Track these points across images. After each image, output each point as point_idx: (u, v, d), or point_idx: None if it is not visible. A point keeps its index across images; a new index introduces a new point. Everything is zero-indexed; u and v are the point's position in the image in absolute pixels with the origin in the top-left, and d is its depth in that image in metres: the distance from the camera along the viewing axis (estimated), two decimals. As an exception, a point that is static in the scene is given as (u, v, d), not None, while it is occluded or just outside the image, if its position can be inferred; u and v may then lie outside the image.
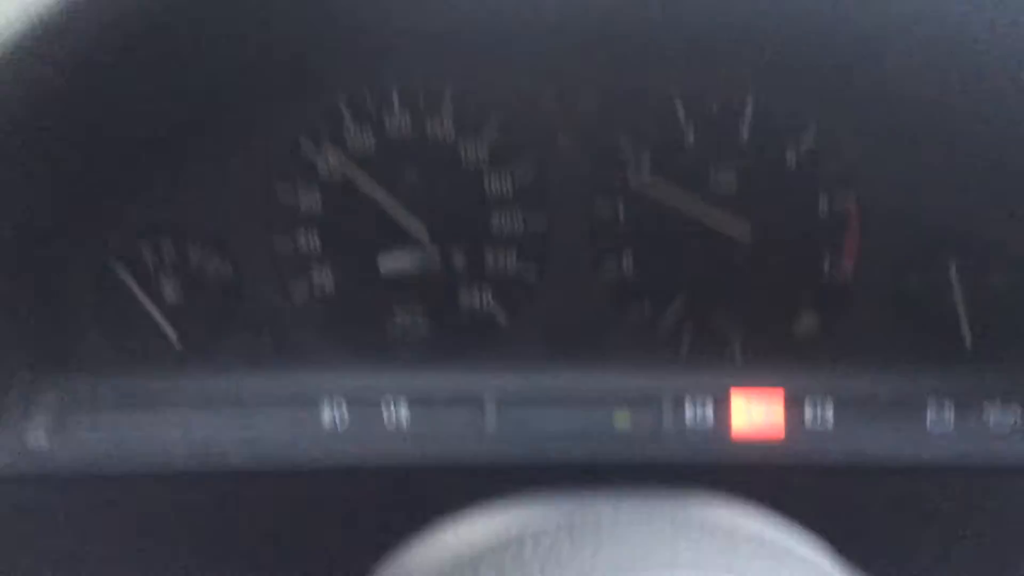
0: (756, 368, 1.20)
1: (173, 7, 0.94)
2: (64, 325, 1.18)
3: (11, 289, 1.07)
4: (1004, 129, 1.13)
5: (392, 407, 1.12)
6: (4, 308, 1.07)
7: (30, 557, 1.05)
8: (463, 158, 1.27)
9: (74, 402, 1.09)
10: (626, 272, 1.28)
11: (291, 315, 1.23)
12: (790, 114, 1.28)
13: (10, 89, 0.89)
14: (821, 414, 1.13)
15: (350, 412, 1.11)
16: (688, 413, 1.14)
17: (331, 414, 1.11)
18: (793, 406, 1.14)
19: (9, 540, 1.04)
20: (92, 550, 1.06)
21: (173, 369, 1.17)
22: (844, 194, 1.28)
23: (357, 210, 1.25)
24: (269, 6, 1.03)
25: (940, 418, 1.12)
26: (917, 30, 1.09)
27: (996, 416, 1.12)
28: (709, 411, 1.14)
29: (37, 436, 1.06)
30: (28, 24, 0.88)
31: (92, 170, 1.12)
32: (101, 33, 0.91)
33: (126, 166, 1.17)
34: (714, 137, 1.29)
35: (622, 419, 1.13)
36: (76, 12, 0.89)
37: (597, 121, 1.28)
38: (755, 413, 1.14)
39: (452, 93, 1.27)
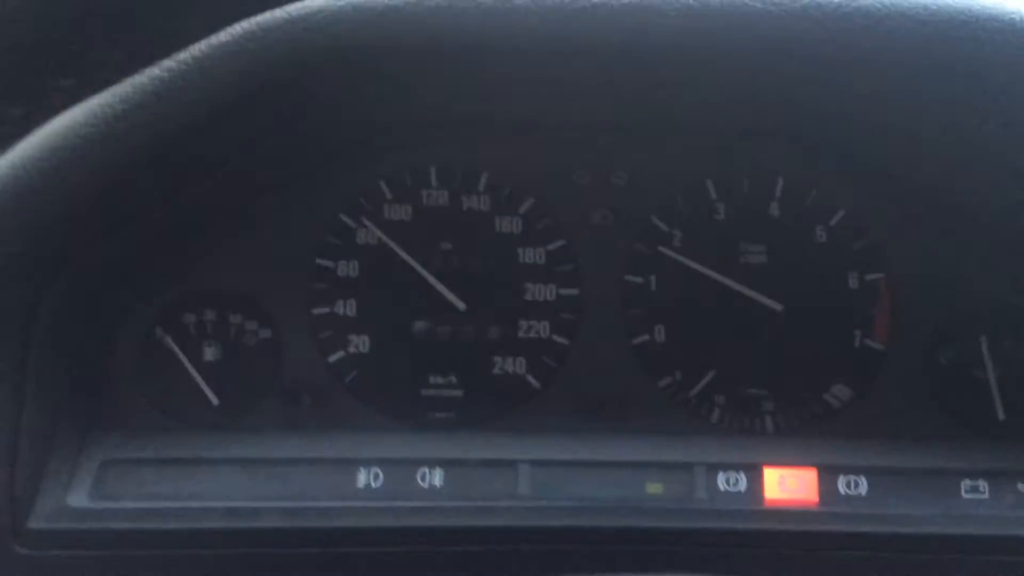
0: (788, 439, 1.21)
1: (240, 99, 0.99)
2: (109, 388, 1.21)
3: (61, 353, 1.10)
4: None
5: (426, 470, 1.13)
6: (53, 372, 1.10)
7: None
8: (498, 230, 1.31)
9: (116, 463, 1.11)
10: (658, 341, 1.29)
11: (328, 380, 1.26)
12: (820, 192, 1.31)
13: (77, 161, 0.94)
14: (855, 486, 1.13)
15: (385, 475, 1.12)
16: (721, 483, 1.14)
17: (366, 477, 1.12)
18: (827, 479, 1.14)
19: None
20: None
21: (213, 431, 1.19)
22: (874, 269, 1.30)
23: (394, 280, 1.28)
24: (319, 96, 1.09)
25: (975, 491, 1.12)
26: (946, 114, 1.12)
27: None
28: (743, 480, 1.14)
29: (79, 496, 1.08)
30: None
31: (144, 242, 1.16)
32: (178, 121, 0.96)
33: (177, 239, 1.21)
34: (745, 214, 1.32)
35: (655, 488, 1.13)
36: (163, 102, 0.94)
37: (630, 198, 1.32)
38: (789, 484, 1.14)
39: (488, 170, 1.31)
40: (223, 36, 0.93)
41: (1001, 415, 1.23)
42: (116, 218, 1.05)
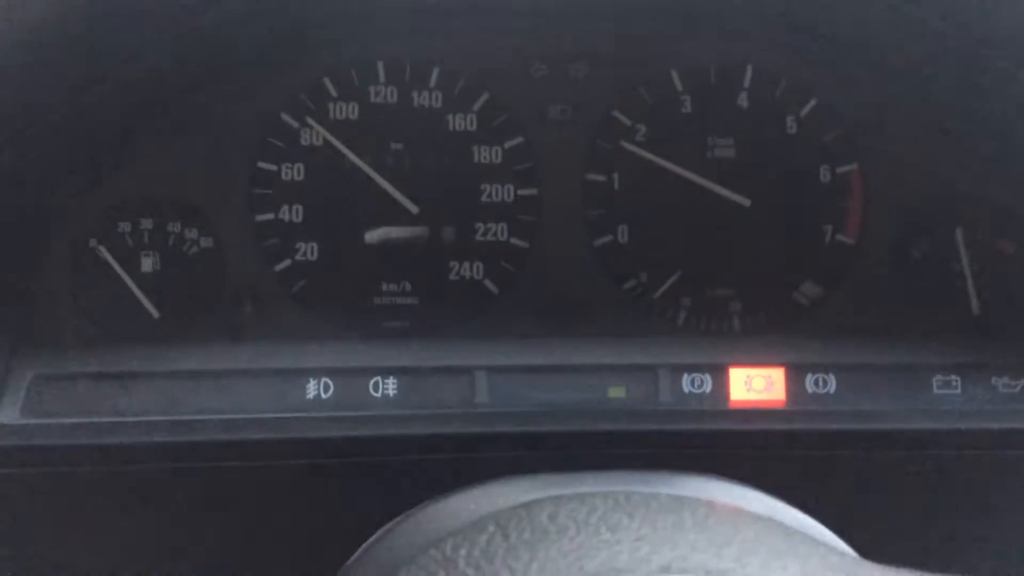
0: (755, 339, 1.16)
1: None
2: (40, 301, 1.15)
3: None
4: (1006, 95, 1.09)
5: (379, 379, 1.08)
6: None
7: (4, 532, 1.01)
8: (451, 129, 1.24)
9: (49, 378, 1.05)
10: (621, 242, 1.24)
11: (275, 289, 1.20)
12: (790, 82, 1.25)
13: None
14: (823, 384, 1.09)
15: (336, 385, 1.07)
16: (685, 385, 1.10)
17: (316, 387, 1.07)
18: (794, 377, 1.10)
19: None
20: (67, 526, 1.02)
21: (153, 344, 1.13)
22: (846, 161, 1.24)
23: (342, 183, 1.21)
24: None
25: (947, 386, 1.08)
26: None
27: (1003, 384, 1.08)
28: (707, 383, 1.10)
29: (10, 412, 1.02)
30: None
31: (70, 144, 1.08)
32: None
33: (104, 139, 1.13)
34: (712, 106, 1.25)
35: (617, 391, 1.09)
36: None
37: (590, 91, 1.25)
38: (755, 384, 1.10)
39: (440, 64, 1.24)
40: None
41: (976, 309, 1.19)
42: (38, 108, 0.97)
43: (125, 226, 1.19)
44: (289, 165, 1.22)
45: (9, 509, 1.00)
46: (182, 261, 1.19)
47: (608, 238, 1.24)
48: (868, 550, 0.70)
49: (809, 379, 1.09)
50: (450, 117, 1.24)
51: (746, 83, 1.25)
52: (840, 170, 1.24)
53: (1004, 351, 1.12)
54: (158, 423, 1.02)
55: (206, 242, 1.20)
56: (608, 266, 1.23)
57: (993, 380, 1.09)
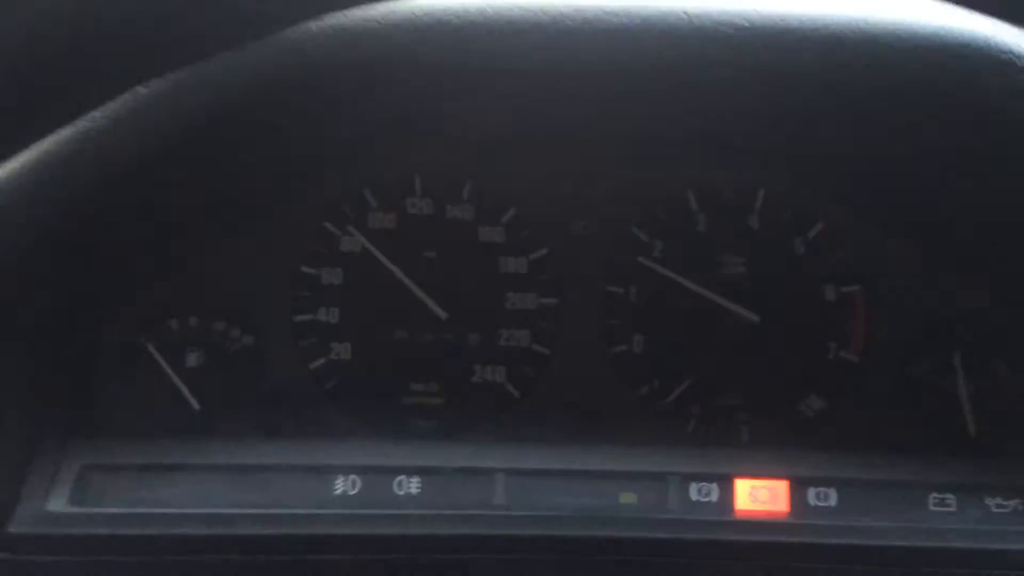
0: (761, 451, 1.22)
1: (215, 105, 1.00)
2: (91, 393, 1.23)
3: (41, 358, 1.12)
4: (1006, 222, 1.17)
5: (404, 478, 1.14)
6: (35, 378, 1.11)
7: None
8: (480, 240, 1.32)
9: (97, 468, 1.13)
10: (636, 351, 1.31)
11: (309, 387, 1.27)
12: (798, 205, 1.32)
13: (65, 176, 0.95)
14: (825, 497, 1.15)
15: (362, 483, 1.14)
16: (693, 494, 1.15)
17: (344, 484, 1.14)
18: (797, 490, 1.16)
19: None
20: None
21: (193, 437, 1.20)
22: (850, 282, 1.31)
23: (377, 288, 1.30)
24: (301, 105, 1.10)
25: (942, 504, 1.14)
26: (922, 129, 1.13)
27: (996, 505, 1.13)
28: (714, 492, 1.15)
29: (60, 501, 1.09)
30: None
31: (126, 249, 1.17)
32: (150, 130, 0.97)
33: (159, 246, 1.22)
34: (725, 226, 1.33)
35: (628, 497, 1.15)
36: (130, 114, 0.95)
37: (611, 208, 1.33)
38: (760, 495, 1.15)
39: (472, 179, 1.33)
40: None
41: (972, 430, 1.25)
42: (103, 225, 1.06)
43: (173, 323, 1.27)
44: (329, 269, 1.31)
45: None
46: (224, 357, 1.27)
47: (623, 347, 1.31)
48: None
49: (811, 492, 1.15)
50: (480, 229, 1.33)
51: (757, 205, 1.33)
52: (845, 289, 1.31)
53: (998, 472, 1.17)
54: (195, 516, 1.09)
55: (247, 340, 1.28)
56: (623, 373, 1.30)
57: (987, 500, 1.14)
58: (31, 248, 0.97)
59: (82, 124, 0.93)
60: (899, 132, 1.10)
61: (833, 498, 1.14)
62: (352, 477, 1.15)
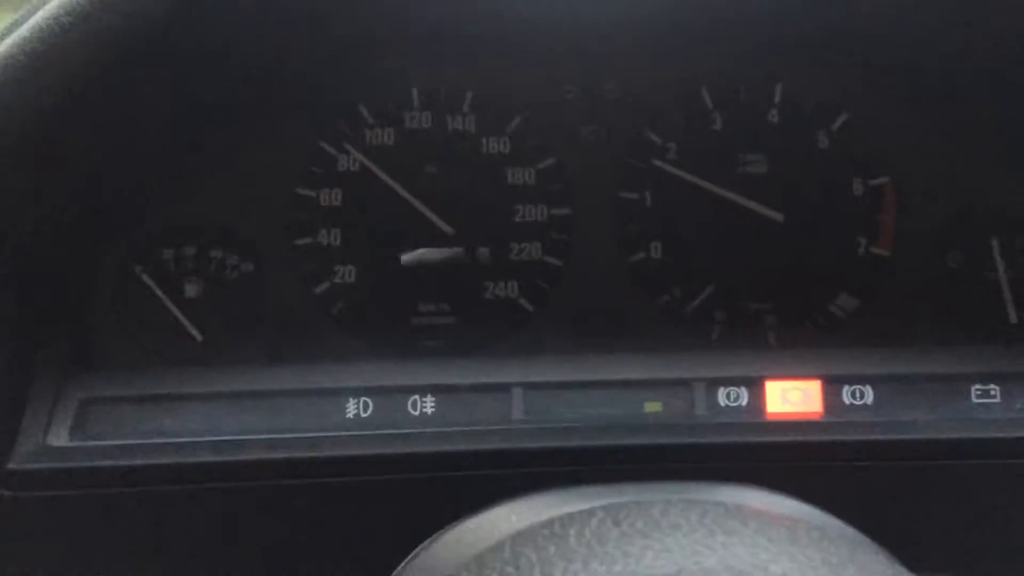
0: (791, 352, 1.16)
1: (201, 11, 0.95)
2: (87, 325, 1.18)
3: (34, 291, 1.07)
4: None
5: (417, 397, 1.09)
6: (28, 310, 1.07)
7: (52, 554, 1.03)
8: (485, 152, 1.26)
9: (96, 401, 1.08)
10: (654, 258, 1.25)
11: (314, 312, 1.22)
12: (820, 96, 1.25)
13: (35, 87, 0.89)
14: (860, 396, 1.09)
15: (375, 404, 1.09)
16: (721, 399, 1.10)
17: (356, 406, 1.09)
18: (831, 390, 1.10)
19: (32, 537, 1.03)
20: (113, 546, 1.04)
21: (196, 367, 1.16)
22: (878, 173, 1.24)
23: (379, 207, 1.24)
24: (293, 13, 1.04)
25: (986, 395, 1.07)
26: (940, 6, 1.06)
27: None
28: (743, 396, 1.10)
29: (60, 435, 1.05)
30: (54, 20, 0.88)
31: (114, 173, 1.12)
32: (127, 31, 0.91)
33: (148, 169, 1.17)
34: (743, 123, 1.26)
35: (653, 406, 1.09)
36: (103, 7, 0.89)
37: (621, 111, 1.26)
38: (791, 397, 1.09)
39: (473, 89, 1.26)
40: None
41: (1014, 317, 1.19)
42: (85, 140, 1.01)
43: (168, 252, 1.22)
44: (327, 190, 1.25)
45: (59, 529, 1.03)
46: (224, 286, 1.22)
47: (641, 255, 1.25)
48: (909, 560, 0.70)
49: (846, 391, 1.09)
50: (484, 140, 1.26)
51: (776, 99, 1.26)
52: (873, 183, 1.24)
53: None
54: (202, 443, 1.04)
55: (247, 267, 1.23)
56: (642, 281, 1.24)
57: (1032, 387, 1.08)
58: (14, 154, 0.91)
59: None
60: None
61: (870, 396, 1.08)
62: (363, 399, 1.09)
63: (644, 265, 1.25)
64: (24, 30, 0.88)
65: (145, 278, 1.20)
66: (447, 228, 1.24)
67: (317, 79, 1.24)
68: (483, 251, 1.24)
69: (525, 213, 1.26)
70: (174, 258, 1.22)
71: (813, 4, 1.15)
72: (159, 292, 1.20)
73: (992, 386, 1.08)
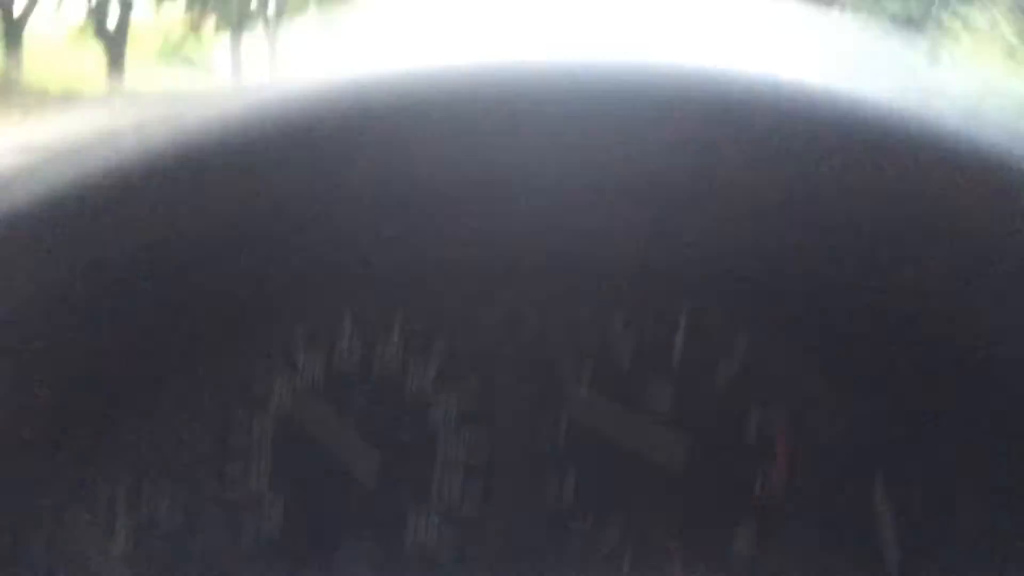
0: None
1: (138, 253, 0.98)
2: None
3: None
4: (934, 348, 1.18)
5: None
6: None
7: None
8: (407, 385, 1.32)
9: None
10: (567, 493, 1.32)
11: (240, 554, 1.27)
12: (723, 339, 1.33)
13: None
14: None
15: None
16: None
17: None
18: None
19: None
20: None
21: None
22: (775, 408, 1.33)
23: (307, 440, 1.30)
24: (231, 252, 1.08)
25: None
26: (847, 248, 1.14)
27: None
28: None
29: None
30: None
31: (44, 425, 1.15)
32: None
33: (80, 421, 1.21)
34: (648, 351, 1.34)
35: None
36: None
37: (538, 342, 1.33)
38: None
39: (401, 320, 1.32)
40: None
41: (895, 557, 1.27)
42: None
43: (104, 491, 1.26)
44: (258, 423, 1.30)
45: None
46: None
47: (554, 490, 1.32)
48: None
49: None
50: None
51: (681, 326, 1.34)
52: (769, 418, 1.33)
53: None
54: None
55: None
56: (555, 518, 1.31)
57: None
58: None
59: None
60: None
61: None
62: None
63: (556, 499, 1.32)
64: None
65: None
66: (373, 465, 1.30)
67: (253, 315, 1.30)
68: (406, 484, 1.31)
69: (447, 446, 1.32)
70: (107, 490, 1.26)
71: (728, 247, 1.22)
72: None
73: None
